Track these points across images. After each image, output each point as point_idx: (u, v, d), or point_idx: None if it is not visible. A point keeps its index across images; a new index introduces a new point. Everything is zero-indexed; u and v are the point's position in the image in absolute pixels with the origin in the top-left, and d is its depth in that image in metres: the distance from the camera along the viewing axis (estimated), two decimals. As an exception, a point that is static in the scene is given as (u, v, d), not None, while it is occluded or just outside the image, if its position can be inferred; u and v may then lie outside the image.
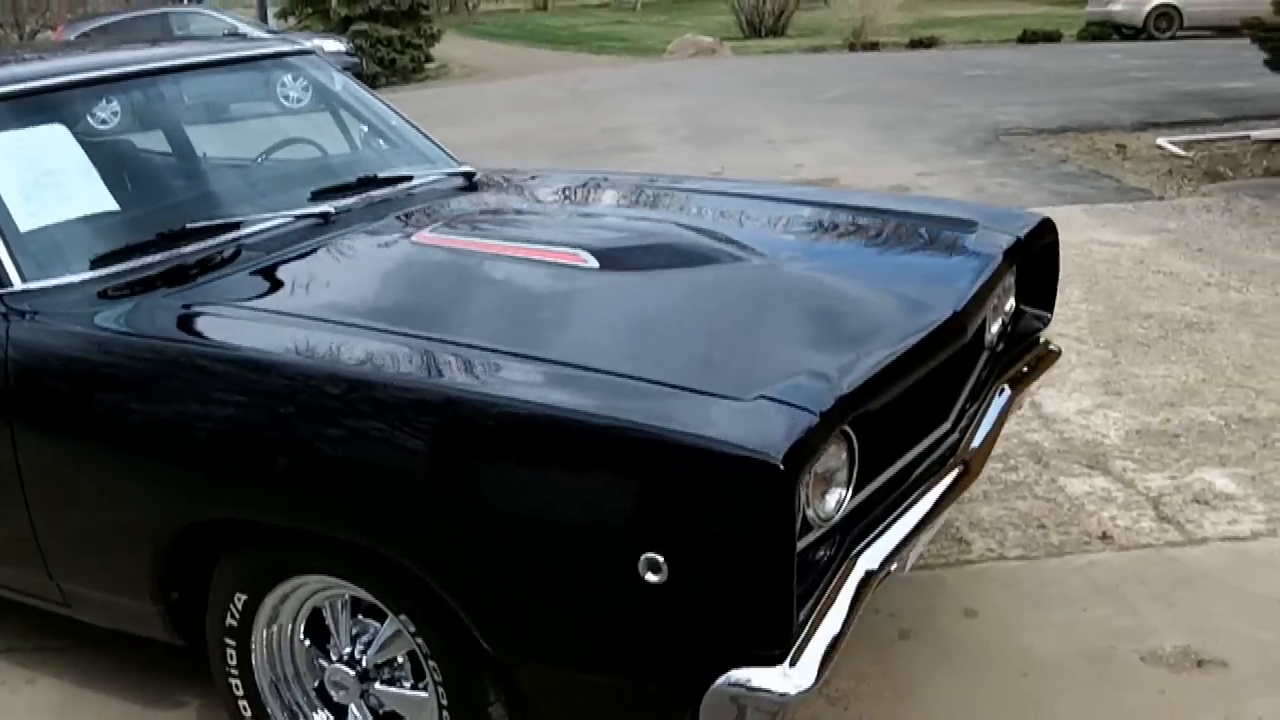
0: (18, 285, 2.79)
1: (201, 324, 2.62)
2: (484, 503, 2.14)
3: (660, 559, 2.01)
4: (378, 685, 2.54)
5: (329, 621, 2.57)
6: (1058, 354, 3.52)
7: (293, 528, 2.40)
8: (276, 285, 2.86)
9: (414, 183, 3.65)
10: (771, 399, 2.13)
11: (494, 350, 2.34)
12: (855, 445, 2.32)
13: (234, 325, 2.58)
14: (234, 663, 2.62)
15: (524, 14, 55.09)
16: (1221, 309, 5.72)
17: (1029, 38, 25.02)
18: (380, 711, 2.59)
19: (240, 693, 2.64)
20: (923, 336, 2.61)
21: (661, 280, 2.78)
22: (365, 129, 3.98)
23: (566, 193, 3.71)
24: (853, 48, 25.39)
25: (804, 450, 2.03)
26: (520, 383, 2.20)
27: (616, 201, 3.62)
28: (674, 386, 2.18)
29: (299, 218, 3.22)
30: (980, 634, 3.23)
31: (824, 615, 2.18)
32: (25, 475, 2.67)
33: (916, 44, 25.01)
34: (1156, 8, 24.02)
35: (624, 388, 2.17)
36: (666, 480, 2.03)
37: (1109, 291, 6.00)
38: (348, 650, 2.55)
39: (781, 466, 1.96)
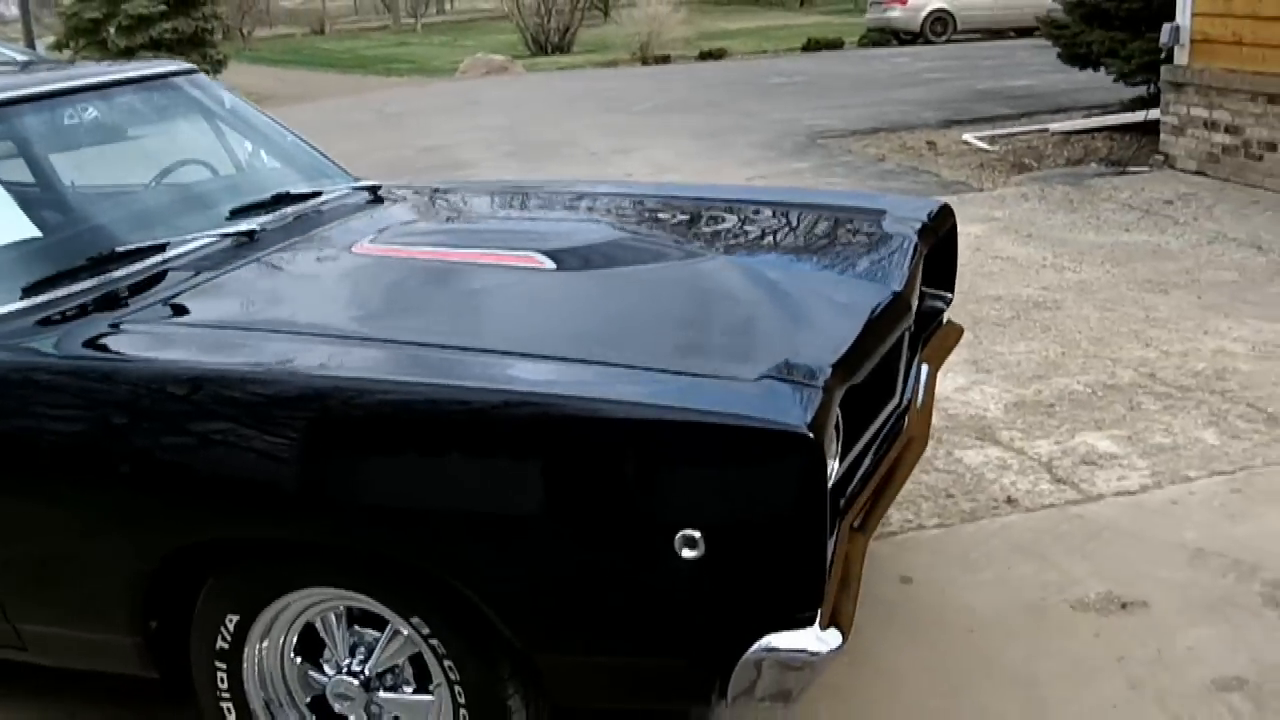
0: (-54, 320, 2.67)
1: (171, 344, 2.56)
2: (514, 500, 2.16)
3: (697, 534, 2.08)
4: (380, 693, 2.52)
5: (323, 635, 2.54)
6: (961, 331, 3.73)
7: (299, 542, 2.38)
8: (232, 302, 2.81)
9: (324, 198, 3.62)
10: (777, 378, 2.23)
11: (488, 351, 2.37)
12: (840, 418, 2.44)
13: (208, 343, 2.52)
14: (225, 687, 2.56)
15: (300, 39, 53.93)
16: (1061, 288, 6.10)
17: (813, 46, 25.95)
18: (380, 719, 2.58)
19: (233, 717, 2.58)
20: (878, 313, 2.74)
21: (619, 278, 2.85)
22: (259, 145, 3.92)
23: (483, 202, 3.74)
24: (644, 61, 25.81)
25: (822, 421, 2.13)
26: (532, 380, 2.24)
27: (537, 207, 3.66)
28: (679, 373, 2.25)
29: (225, 236, 3.17)
30: (921, 598, 3.39)
31: (834, 577, 2.29)
32: (-17, 518, 2.57)
33: (706, 55, 25.64)
34: (932, 13, 25.24)
35: (636, 377, 2.23)
36: (699, 459, 2.10)
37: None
38: (346, 661, 2.53)
39: (811, 436, 2.05)
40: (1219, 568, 3.42)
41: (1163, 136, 8.75)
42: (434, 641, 2.36)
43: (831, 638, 2.18)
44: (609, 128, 13.02)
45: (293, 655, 2.58)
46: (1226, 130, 8.05)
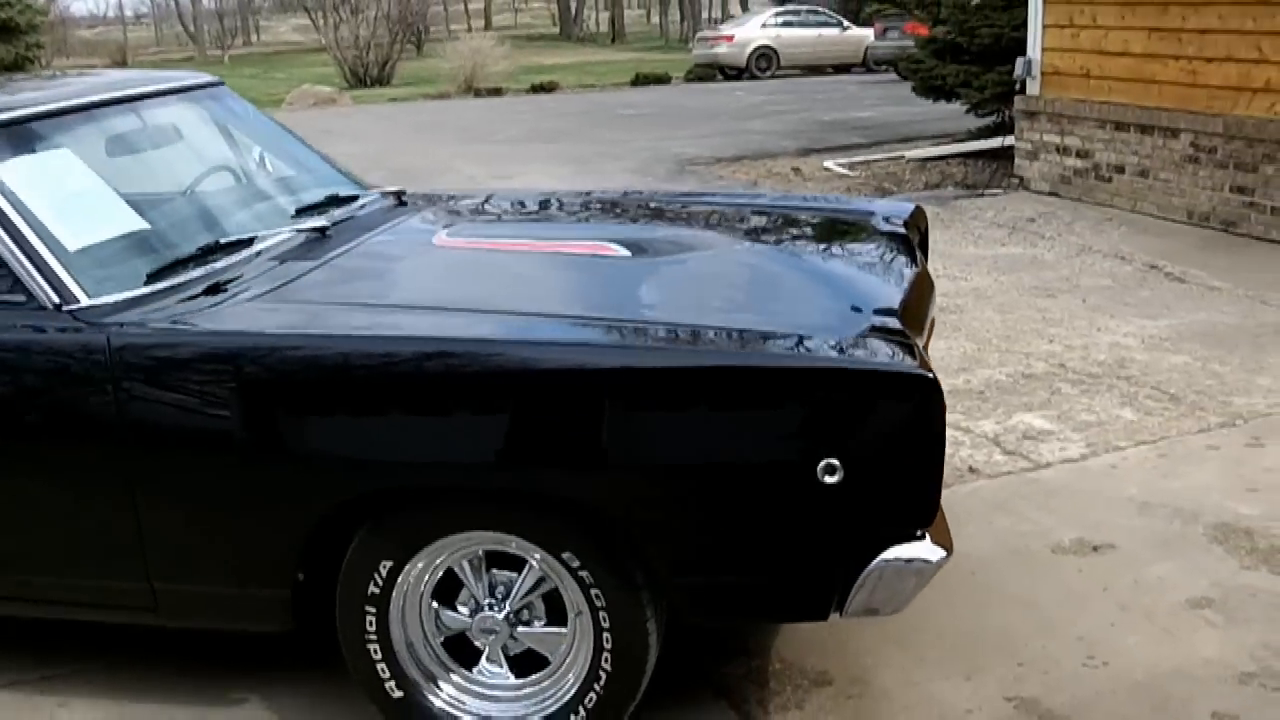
0: (85, 301, 2.86)
1: (331, 319, 2.82)
2: (676, 443, 2.52)
3: (837, 462, 2.47)
4: (519, 628, 2.82)
5: (463, 578, 2.82)
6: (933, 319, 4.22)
7: (464, 489, 2.68)
8: (360, 285, 3.09)
9: (362, 201, 3.88)
10: (876, 334, 2.65)
11: (615, 320, 2.73)
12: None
13: (363, 318, 2.80)
14: (373, 629, 2.81)
15: (102, 70, 52.32)
16: (960, 295, 6.71)
17: (641, 80, 26.69)
18: (509, 654, 2.87)
19: (379, 657, 2.83)
20: (917, 286, 3.20)
21: (690, 263, 3.24)
22: (283, 151, 4.15)
23: (519, 204, 4.07)
24: (476, 93, 26.09)
25: (930, 367, 2.56)
26: (679, 341, 2.62)
27: (575, 208, 4.00)
28: (793, 334, 2.65)
29: (301, 231, 3.42)
30: (922, 550, 3.84)
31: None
32: (138, 481, 2.76)
33: (538, 89, 26.08)
34: (757, 50, 26.32)
35: (759, 336, 2.62)
36: (840, 400, 2.50)
37: (862, 286, 6.87)
38: (487, 601, 2.82)
39: (932, 377, 2.48)
40: (1165, 516, 3.98)
41: (1017, 161, 9.56)
42: (583, 573, 2.67)
43: (939, 549, 2.60)
44: (478, 156, 13.31)
45: (430, 600, 2.85)
46: (1077, 155, 8.88)
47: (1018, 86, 9.40)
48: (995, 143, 10.39)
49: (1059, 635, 3.31)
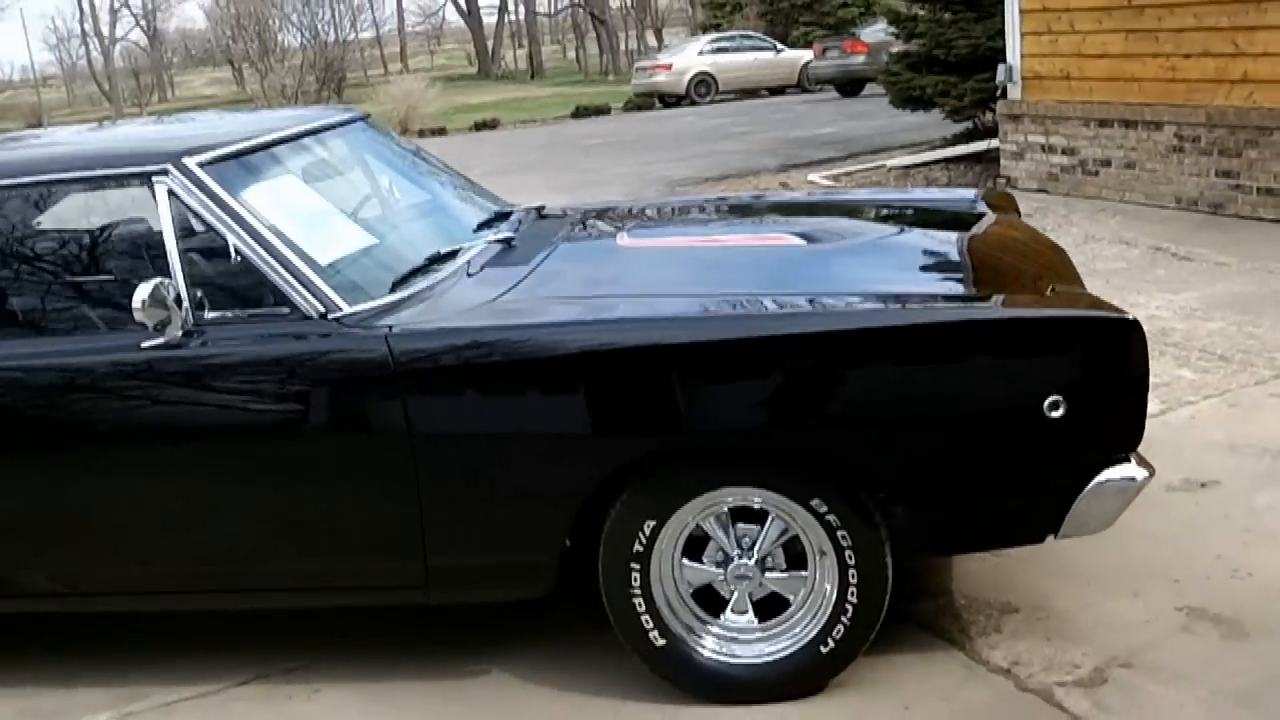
0: (347, 309, 3.18)
1: (580, 309, 3.18)
2: (920, 393, 2.92)
3: (1061, 399, 2.88)
4: (765, 574, 3.18)
5: (712, 533, 3.15)
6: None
7: (732, 450, 3.04)
8: (576, 281, 3.45)
9: (516, 216, 4.24)
10: (1068, 288, 3.08)
11: (847, 294, 3.12)
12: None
13: (622, 306, 3.18)
14: (637, 584, 3.13)
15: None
16: (988, 283, 7.18)
17: (582, 112, 27.10)
18: (752, 598, 3.21)
19: (643, 610, 3.15)
20: (1054, 249, 3.64)
21: (860, 248, 3.64)
22: (436, 174, 4.49)
23: (664, 212, 4.45)
24: (420, 134, 26.32)
25: (1116, 313, 2.99)
26: (910, 304, 3.02)
27: (724, 211, 4.38)
28: (1004, 293, 3.06)
29: (491, 243, 3.76)
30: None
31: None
32: (423, 466, 3.06)
33: (481, 126, 26.45)
34: (696, 76, 26.90)
35: (968, 298, 3.04)
36: (1063, 343, 2.93)
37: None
38: (735, 552, 3.16)
39: (1134, 318, 2.90)
40: (1254, 454, 4.44)
41: (1003, 161, 10.10)
42: (830, 517, 3.03)
43: (1144, 470, 3.01)
44: (462, 189, 13.62)
45: (680, 555, 3.19)
46: (1064, 152, 9.44)
47: (999, 92, 9.95)
48: (978, 147, 10.96)
49: (1200, 556, 3.74)
